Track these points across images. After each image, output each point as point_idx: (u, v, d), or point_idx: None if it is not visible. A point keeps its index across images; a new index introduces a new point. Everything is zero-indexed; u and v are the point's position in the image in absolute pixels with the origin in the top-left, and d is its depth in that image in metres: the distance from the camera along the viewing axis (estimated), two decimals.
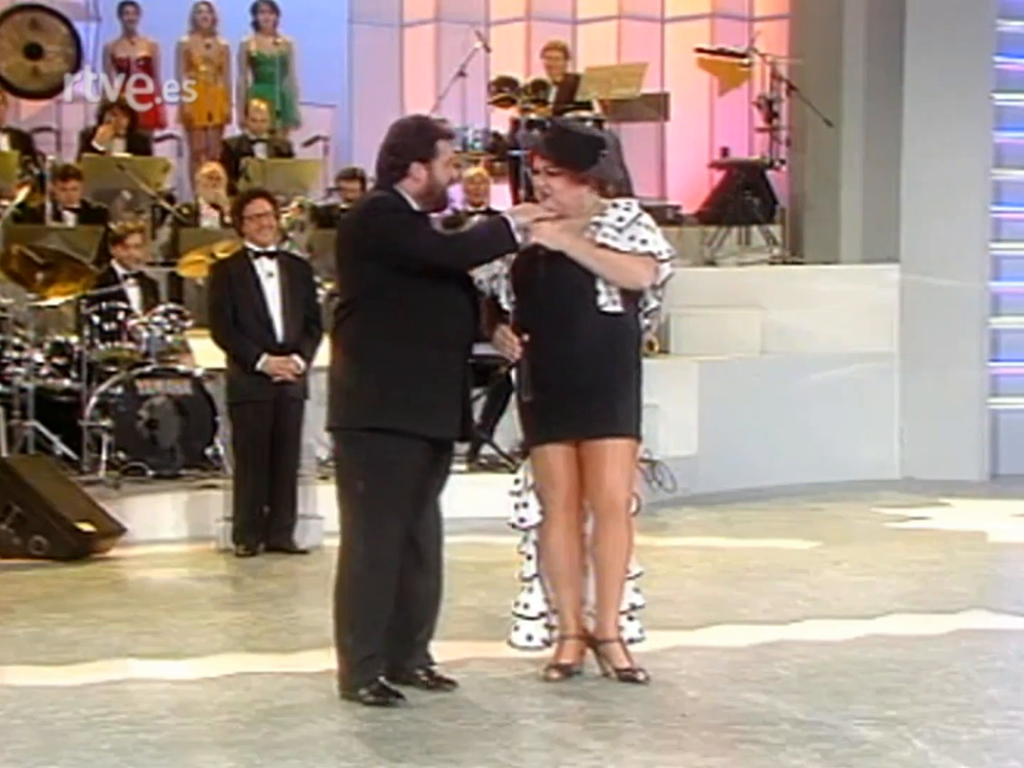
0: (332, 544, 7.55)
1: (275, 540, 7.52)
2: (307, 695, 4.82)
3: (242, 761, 4.16)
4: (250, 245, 7.68)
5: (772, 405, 9.84)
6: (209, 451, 8.51)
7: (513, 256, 4.92)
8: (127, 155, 11.09)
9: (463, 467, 8.94)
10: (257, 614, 6.18)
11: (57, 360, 8.61)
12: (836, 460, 9.82)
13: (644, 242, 4.92)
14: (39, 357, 8.52)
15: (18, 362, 8.40)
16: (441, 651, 5.14)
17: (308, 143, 11.61)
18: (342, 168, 11.25)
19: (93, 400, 8.40)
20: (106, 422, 8.33)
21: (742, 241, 11.35)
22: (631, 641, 5.00)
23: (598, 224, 4.93)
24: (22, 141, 10.99)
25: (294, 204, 10.24)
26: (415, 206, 4.81)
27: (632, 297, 4.96)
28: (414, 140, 4.84)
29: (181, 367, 8.65)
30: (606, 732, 4.40)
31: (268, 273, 7.64)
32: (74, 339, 8.68)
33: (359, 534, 4.78)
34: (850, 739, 4.31)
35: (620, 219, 4.94)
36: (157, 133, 11.87)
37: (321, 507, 7.95)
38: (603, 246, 4.90)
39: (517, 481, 5.04)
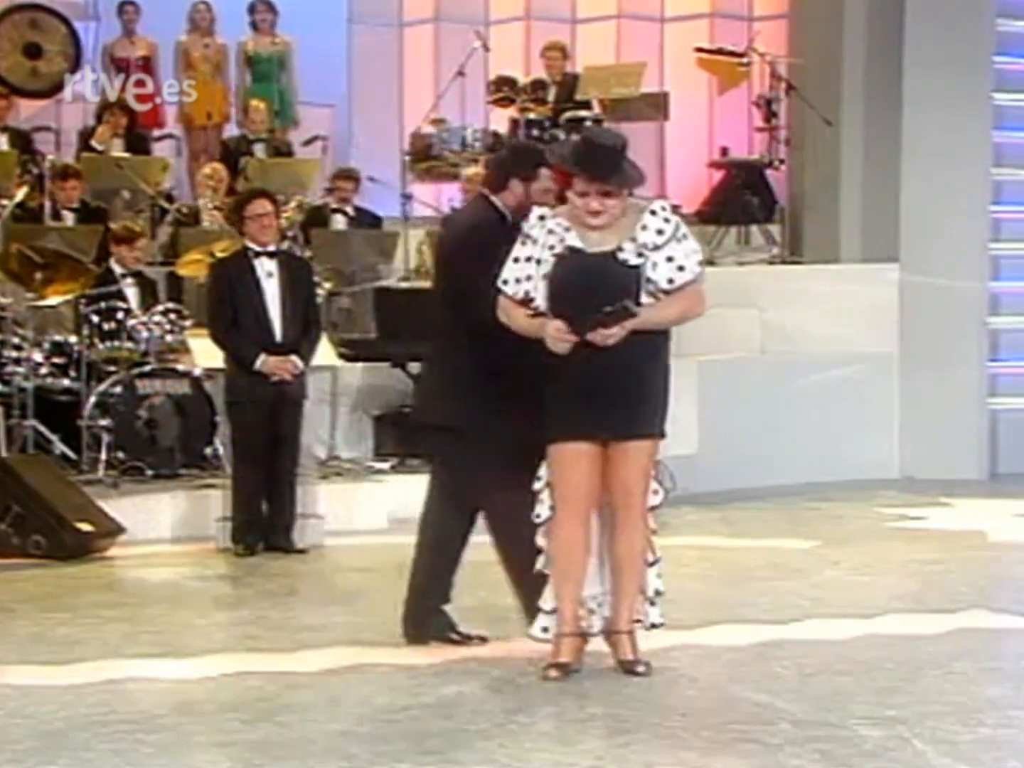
0: (331, 543, 7.65)
1: (274, 540, 7.51)
2: (306, 695, 4.82)
3: (241, 761, 4.15)
4: (250, 245, 7.68)
5: (772, 404, 9.84)
6: (208, 451, 8.52)
7: (552, 258, 4.92)
8: (126, 155, 11.08)
9: None
10: (256, 613, 6.17)
11: (56, 360, 8.62)
12: (835, 459, 9.82)
13: (681, 268, 4.89)
14: (38, 356, 8.52)
15: (17, 361, 8.40)
16: (441, 651, 5.15)
17: (307, 143, 11.60)
18: (338, 168, 11.25)
19: (92, 400, 8.40)
20: (105, 422, 8.34)
21: (741, 241, 11.35)
22: (653, 626, 5.05)
23: (633, 240, 4.88)
24: (21, 140, 10.99)
25: (293, 204, 10.25)
26: (508, 216, 5.25)
27: None
28: (521, 160, 5.31)
29: (180, 367, 8.66)
30: (606, 731, 4.40)
31: (268, 273, 7.64)
32: (73, 339, 8.68)
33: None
34: (850, 739, 4.30)
35: (660, 232, 4.89)
36: (156, 133, 11.85)
37: (320, 506, 7.98)
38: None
39: (539, 479, 5.02)
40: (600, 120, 11.46)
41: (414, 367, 9.21)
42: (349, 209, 10.85)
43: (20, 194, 9.40)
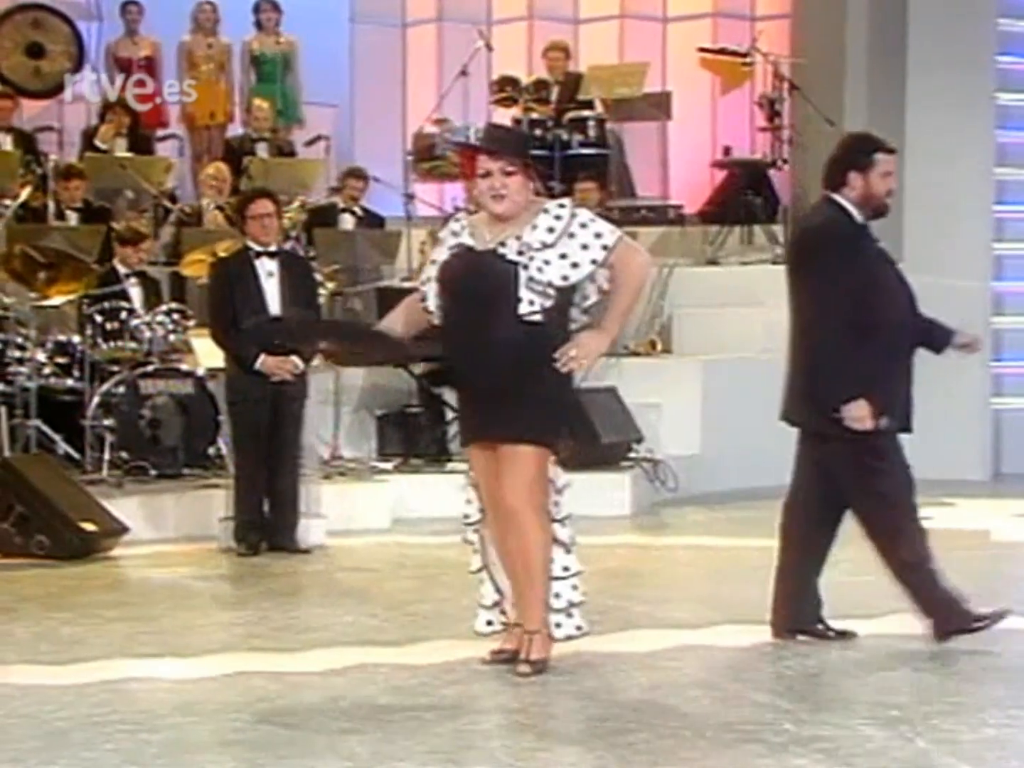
0: (334, 544, 7.65)
1: (277, 539, 7.51)
2: (310, 694, 4.81)
3: (244, 761, 4.15)
4: (252, 244, 7.68)
5: (775, 404, 9.77)
6: (211, 450, 8.52)
7: (441, 259, 4.92)
8: (129, 154, 11.09)
9: (465, 466, 8.94)
10: (259, 613, 6.17)
11: (59, 359, 8.62)
12: None
13: (576, 265, 4.76)
14: (41, 356, 8.52)
15: (20, 361, 8.40)
16: (444, 650, 5.15)
17: (310, 143, 11.60)
18: (346, 167, 11.26)
19: (95, 399, 8.40)
20: (108, 421, 8.34)
21: (744, 240, 11.34)
22: (569, 638, 5.04)
23: (519, 238, 4.77)
24: (25, 140, 11.00)
25: (295, 204, 10.25)
26: (856, 213, 5.30)
27: (561, 303, 4.83)
28: (853, 151, 5.35)
29: (183, 366, 8.66)
30: (608, 732, 4.40)
31: (268, 273, 7.63)
32: (76, 338, 8.68)
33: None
34: (853, 738, 4.30)
35: (551, 229, 4.79)
36: (159, 132, 11.86)
37: (323, 506, 7.98)
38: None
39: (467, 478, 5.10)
40: (603, 120, 11.47)
41: (417, 367, 9.22)
42: (357, 209, 10.85)
43: (23, 194, 9.40)
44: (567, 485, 5.07)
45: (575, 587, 5.06)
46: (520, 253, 4.78)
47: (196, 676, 5.06)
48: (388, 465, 9.03)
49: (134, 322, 8.68)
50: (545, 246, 4.78)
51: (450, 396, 9.18)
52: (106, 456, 8.28)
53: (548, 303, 4.79)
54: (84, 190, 10.30)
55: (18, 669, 5.13)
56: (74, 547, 7.22)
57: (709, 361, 9.90)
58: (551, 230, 4.79)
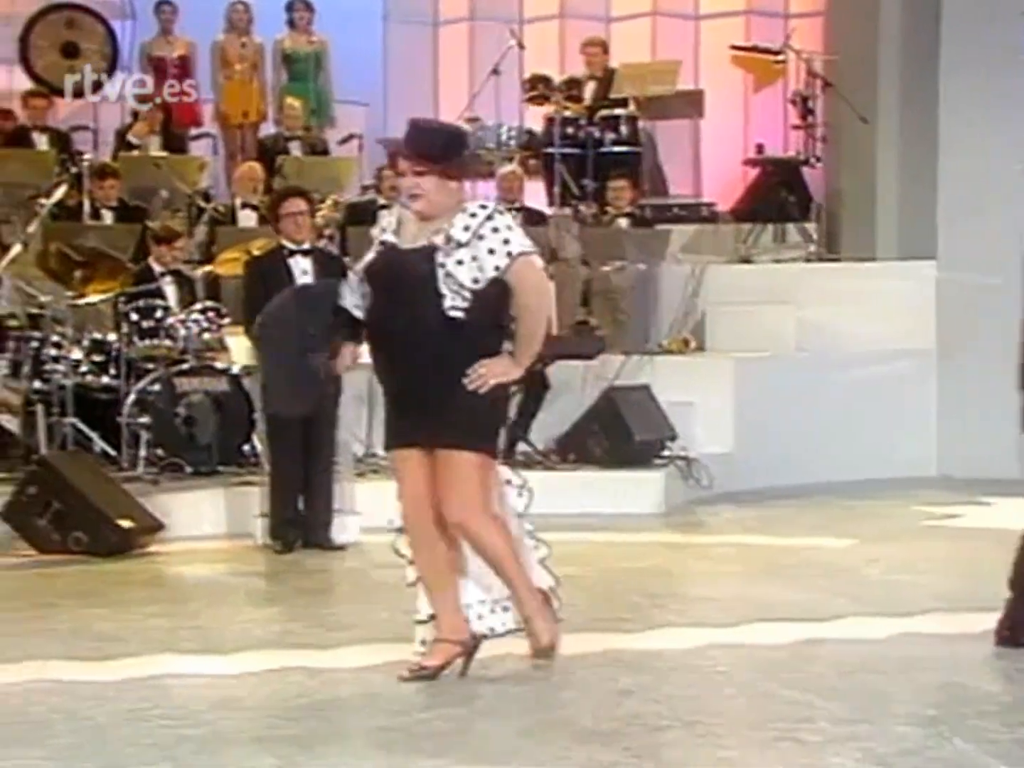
0: (369, 540, 7.66)
1: (312, 536, 7.54)
2: (345, 690, 4.83)
3: (282, 757, 4.17)
4: (285, 243, 7.71)
5: (808, 402, 9.82)
6: (246, 447, 8.56)
7: (368, 258, 4.85)
8: (163, 153, 11.15)
9: (499, 464, 8.96)
10: (295, 610, 6.20)
11: (96, 357, 8.65)
12: (873, 457, 9.78)
13: (482, 269, 4.66)
14: (78, 354, 8.57)
15: (57, 359, 8.44)
16: (483, 648, 5.15)
17: (342, 141, 11.64)
18: (379, 165, 11.27)
19: (131, 397, 8.44)
20: (144, 419, 8.38)
21: (777, 238, 11.32)
22: (493, 632, 4.97)
23: (437, 234, 4.69)
24: (60, 140, 11.07)
25: (328, 202, 10.28)
26: None
27: (487, 305, 4.72)
28: None
29: (218, 364, 8.70)
30: (643, 729, 4.40)
31: (302, 271, 7.65)
32: (112, 336, 8.72)
33: None
34: (890, 737, 4.29)
35: (466, 228, 4.69)
36: (193, 131, 11.91)
37: (358, 503, 7.99)
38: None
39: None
40: (635, 118, 11.46)
41: None
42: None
43: (59, 193, 9.45)
44: (523, 487, 4.95)
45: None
46: (435, 250, 4.68)
47: (233, 672, 5.09)
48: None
49: (169, 320, 8.72)
50: (459, 245, 4.68)
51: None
52: (142, 453, 8.32)
53: (465, 304, 4.66)
54: (119, 189, 10.35)
55: (58, 665, 5.16)
56: (111, 544, 7.27)
57: (742, 359, 9.89)
58: (466, 228, 4.68)
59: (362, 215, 10.67)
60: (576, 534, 7.85)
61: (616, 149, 11.31)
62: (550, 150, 11.22)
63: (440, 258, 4.67)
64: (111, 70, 11.59)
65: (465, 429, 4.70)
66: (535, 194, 11.37)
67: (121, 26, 11.89)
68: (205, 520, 7.93)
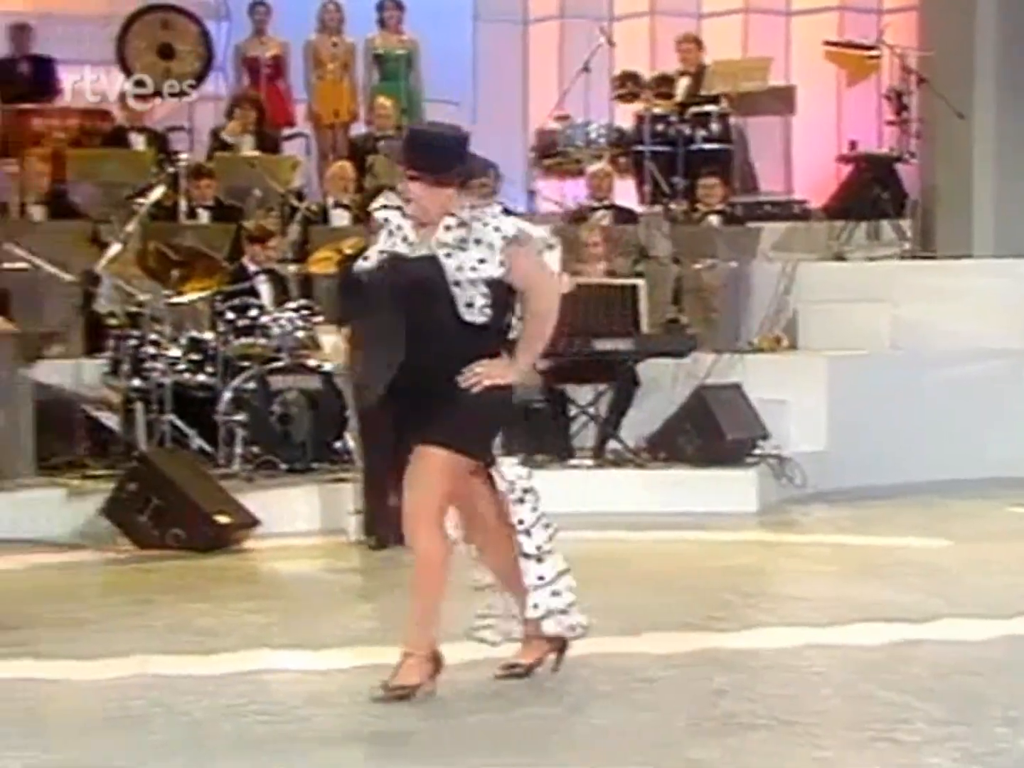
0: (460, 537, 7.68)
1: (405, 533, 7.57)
2: (441, 688, 4.84)
3: (376, 754, 4.21)
4: None
5: (902, 400, 9.72)
6: (339, 444, 8.62)
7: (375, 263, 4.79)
8: (257, 153, 11.27)
9: (590, 462, 8.98)
10: (388, 606, 6.22)
11: (193, 355, 8.76)
12: (968, 457, 9.65)
13: (483, 261, 4.57)
14: (176, 352, 8.68)
15: (155, 358, 8.56)
16: (582, 645, 5.15)
17: None
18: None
19: (227, 395, 8.54)
20: (240, 416, 8.47)
21: (871, 235, 11.21)
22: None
23: (436, 240, 4.62)
24: (157, 140, 11.22)
25: None
26: None
27: (507, 304, 4.66)
28: None
29: (311, 362, 8.78)
30: (738, 728, 4.39)
31: None
32: (209, 335, 8.83)
33: None
34: (988, 739, 4.25)
35: (449, 230, 4.61)
36: (286, 131, 12.03)
37: None
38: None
39: None
40: (726, 115, 11.42)
41: (541, 363, 9.25)
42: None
43: (157, 193, 9.58)
44: (529, 491, 4.79)
45: (556, 592, 4.84)
46: (435, 257, 4.61)
47: (328, 668, 5.12)
48: (512, 461, 9.04)
49: (264, 318, 8.81)
50: (451, 249, 4.59)
51: (574, 393, 9.23)
52: (238, 450, 8.41)
53: (481, 306, 4.58)
54: (215, 189, 10.48)
55: (157, 660, 5.21)
56: (208, 539, 7.35)
57: (836, 357, 9.81)
58: (448, 230, 4.60)
59: None
60: (667, 533, 7.84)
61: (707, 146, 11.27)
62: (640, 148, 11.21)
63: (443, 260, 4.59)
64: (205, 71, 11.74)
65: (452, 429, 4.60)
66: (625, 192, 11.36)
67: (216, 27, 12.03)
68: (299, 516, 8.00)
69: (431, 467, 4.63)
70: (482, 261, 4.58)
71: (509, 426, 4.94)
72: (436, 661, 4.74)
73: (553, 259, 4.75)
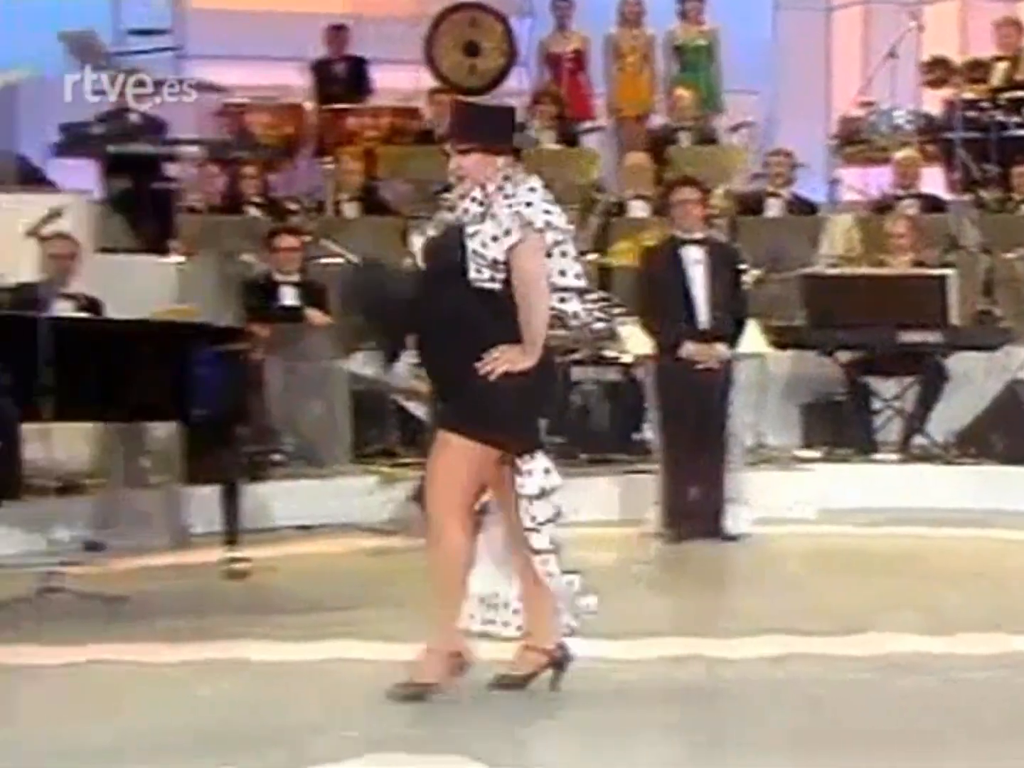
0: (761, 532, 7.63)
1: (704, 526, 7.56)
2: (747, 683, 4.82)
3: (688, 746, 4.21)
4: (677, 233, 7.76)
5: None
6: (637, 436, 8.66)
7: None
8: (557, 147, 11.39)
9: (894, 457, 8.77)
10: (689, 599, 6.25)
11: None
12: None
13: (508, 233, 4.48)
14: None
15: None
16: (879, 643, 5.06)
17: (733, 129, 11.61)
18: (768, 151, 11.20)
19: None
20: None
21: None
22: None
23: (466, 219, 4.55)
24: None
25: (720, 191, 10.27)
26: None
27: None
28: None
29: (610, 353, 8.83)
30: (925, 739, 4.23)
31: (695, 260, 7.70)
32: None
33: None
34: None
35: (477, 201, 4.53)
36: (586, 125, 12.12)
37: (749, 494, 7.97)
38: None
39: None
40: None
41: (843, 355, 9.10)
42: (784, 192, 10.70)
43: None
44: (549, 491, 4.66)
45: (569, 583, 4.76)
46: (463, 227, 4.55)
47: (630, 658, 5.14)
48: (814, 454, 8.94)
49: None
50: (477, 219, 4.52)
51: (878, 385, 9.03)
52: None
53: (493, 282, 4.49)
54: None
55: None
56: None
57: None
58: (476, 202, 4.55)
59: (753, 204, 10.63)
60: (976, 531, 7.61)
61: (1021, 133, 10.84)
62: (949, 134, 10.87)
63: (468, 233, 4.52)
64: (508, 67, 11.93)
65: (472, 413, 4.52)
66: (933, 180, 11.04)
67: (519, 23, 12.21)
68: (598, 507, 8.06)
69: (453, 457, 4.53)
70: (495, 239, 4.49)
71: (540, 414, 4.74)
72: (460, 658, 4.64)
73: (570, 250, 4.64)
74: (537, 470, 4.62)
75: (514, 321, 4.51)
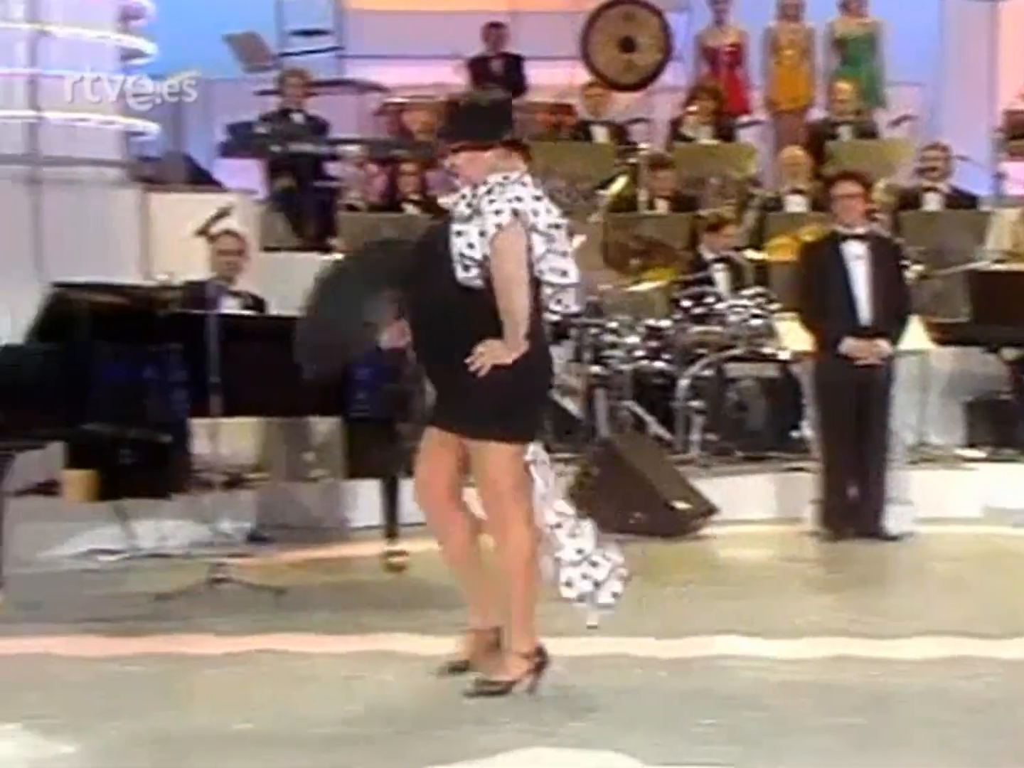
0: (923, 532, 7.50)
1: (864, 525, 7.46)
2: (911, 684, 4.75)
3: (848, 745, 4.16)
4: (838, 228, 7.67)
5: None
6: (795, 434, 8.56)
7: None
8: (714, 142, 11.32)
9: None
10: (849, 598, 6.16)
11: (651, 343, 8.90)
12: None
13: (490, 230, 4.47)
14: (634, 340, 8.84)
15: (615, 346, 8.75)
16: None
17: (895, 122, 11.42)
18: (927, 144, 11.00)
19: (684, 382, 8.63)
20: (697, 404, 8.55)
21: None
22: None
23: (454, 218, 4.56)
24: (618, 133, 11.45)
25: (881, 185, 10.11)
26: None
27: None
28: None
29: (768, 350, 8.75)
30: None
31: (856, 256, 7.59)
32: (666, 323, 8.95)
33: None
34: None
35: (465, 201, 4.54)
36: (743, 119, 12.02)
37: (910, 493, 7.84)
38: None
39: None
40: None
41: (1009, 352, 8.90)
42: (943, 186, 10.50)
43: (618, 185, 9.78)
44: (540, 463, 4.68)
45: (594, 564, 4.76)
46: (450, 222, 4.58)
47: (791, 657, 5.10)
48: (978, 453, 8.76)
49: (720, 306, 8.85)
50: (464, 219, 4.54)
51: None
52: (695, 437, 8.49)
53: (483, 273, 4.49)
54: (673, 180, 10.59)
55: (626, 642, 5.27)
56: (668, 525, 7.45)
57: None
58: (464, 201, 4.56)
59: (911, 199, 10.43)
60: None
61: None
62: None
63: (455, 232, 4.54)
64: (664, 62, 11.89)
65: (468, 416, 4.57)
66: None
67: (676, 18, 12.15)
68: (755, 505, 8.00)
69: (481, 459, 4.58)
70: (482, 234, 4.49)
71: (534, 405, 4.75)
72: (541, 657, 4.66)
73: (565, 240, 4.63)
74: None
75: (491, 319, 4.54)
